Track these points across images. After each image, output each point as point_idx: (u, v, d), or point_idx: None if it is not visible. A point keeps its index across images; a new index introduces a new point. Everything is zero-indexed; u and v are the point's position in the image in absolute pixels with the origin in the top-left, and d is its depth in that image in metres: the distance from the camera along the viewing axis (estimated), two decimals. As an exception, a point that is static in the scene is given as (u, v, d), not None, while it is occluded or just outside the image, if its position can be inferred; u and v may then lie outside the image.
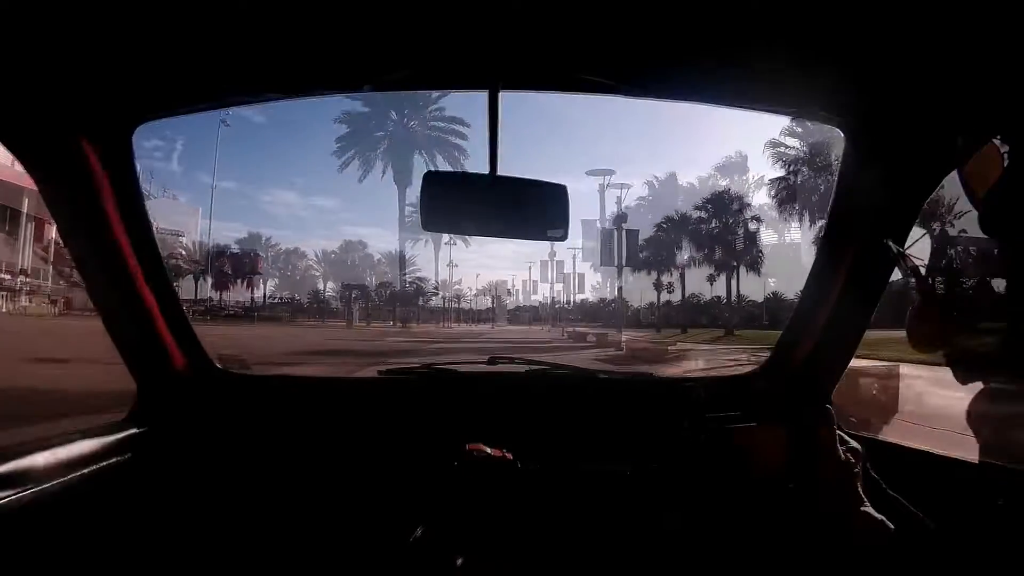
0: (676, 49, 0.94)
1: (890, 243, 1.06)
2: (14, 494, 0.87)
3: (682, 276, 33.51)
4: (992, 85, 0.87)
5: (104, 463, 1.06)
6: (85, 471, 1.01)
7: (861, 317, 1.23)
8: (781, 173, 29.34)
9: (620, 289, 26.89)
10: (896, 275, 1.14)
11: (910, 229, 1.11)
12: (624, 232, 26.21)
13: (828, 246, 1.23)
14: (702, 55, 0.95)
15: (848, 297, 1.21)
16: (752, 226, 31.03)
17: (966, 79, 0.88)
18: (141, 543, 1.08)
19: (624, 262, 26.03)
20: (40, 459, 0.94)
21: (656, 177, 46.30)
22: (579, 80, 1.03)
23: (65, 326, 17.99)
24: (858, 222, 1.16)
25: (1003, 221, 0.77)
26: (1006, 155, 0.84)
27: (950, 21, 0.77)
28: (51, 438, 0.99)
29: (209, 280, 34.96)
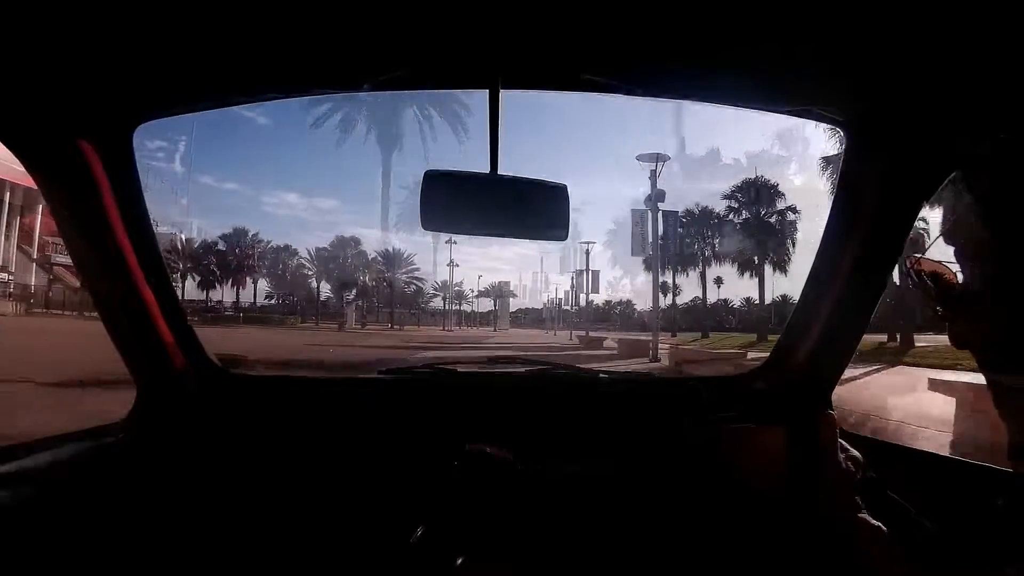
0: (676, 48, 0.94)
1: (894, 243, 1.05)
2: (14, 494, 0.87)
3: (702, 276, 31.94)
4: (994, 84, 0.88)
5: (104, 463, 1.06)
6: (85, 471, 1.01)
7: (861, 317, 1.24)
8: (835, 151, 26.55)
9: (656, 294, 21.87)
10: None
11: (911, 229, 1.11)
12: (660, 214, 21.50)
13: (828, 246, 1.23)
14: (702, 54, 0.95)
15: (848, 297, 1.21)
16: (791, 217, 28.46)
17: (968, 78, 0.88)
18: (141, 543, 1.08)
19: (661, 250, 21.62)
20: (40, 459, 0.94)
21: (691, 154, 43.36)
22: (580, 79, 1.03)
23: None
24: (859, 222, 1.16)
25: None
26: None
27: (951, 20, 0.77)
28: (51, 438, 0.99)
29: (196, 279, 34.08)
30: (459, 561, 0.96)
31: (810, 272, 1.28)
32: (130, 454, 1.12)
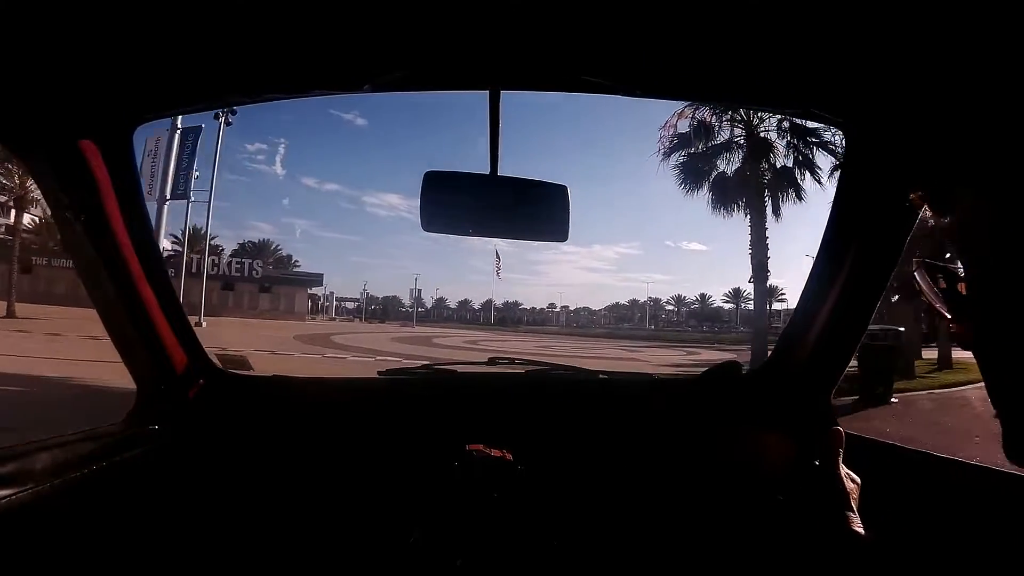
0: (676, 49, 0.94)
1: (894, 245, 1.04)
2: (14, 494, 0.87)
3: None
4: (995, 85, 0.87)
5: (104, 463, 1.05)
6: (85, 471, 1.01)
7: (861, 317, 1.23)
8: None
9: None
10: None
11: (911, 229, 1.11)
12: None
13: (828, 245, 1.23)
14: (702, 54, 0.94)
15: (848, 297, 1.21)
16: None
17: (968, 78, 0.88)
18: (141, 543, 1.08)
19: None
20: (40, 459, 0.93)
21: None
22: (580, 80, 1.03)
23: None
24: (859, 222, 1.16)
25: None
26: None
27: (952, 20, 0.77)
28: (51, 438, 0.99)
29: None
30: (459, 561, 0.96)
31: (810, 272, 1.28)
32: (129, 454, 1.12)
